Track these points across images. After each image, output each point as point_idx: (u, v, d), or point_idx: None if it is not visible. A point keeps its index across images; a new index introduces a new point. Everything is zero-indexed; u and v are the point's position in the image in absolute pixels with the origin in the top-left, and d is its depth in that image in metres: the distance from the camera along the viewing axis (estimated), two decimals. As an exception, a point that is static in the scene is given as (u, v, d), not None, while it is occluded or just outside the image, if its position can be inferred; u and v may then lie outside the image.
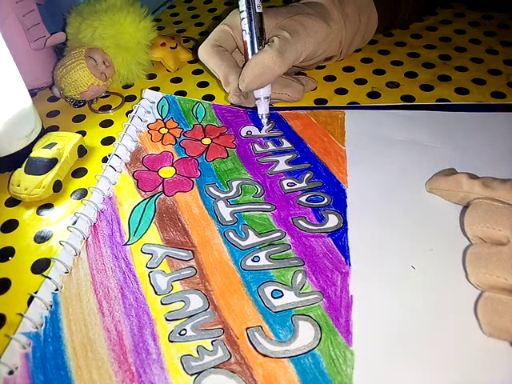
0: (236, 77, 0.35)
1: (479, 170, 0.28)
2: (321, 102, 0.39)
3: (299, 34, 0.35)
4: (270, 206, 0.30)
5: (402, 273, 0.26)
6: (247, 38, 0.35)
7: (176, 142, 0.36)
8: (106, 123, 0.40)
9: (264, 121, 0.36)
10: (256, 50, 0.35)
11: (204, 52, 0.36)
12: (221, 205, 0.31)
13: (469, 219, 0.24)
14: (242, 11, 0.35)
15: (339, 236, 0.28)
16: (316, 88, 0.41)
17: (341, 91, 0.40)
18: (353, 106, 0.39)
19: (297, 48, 0.34)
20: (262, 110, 0.36)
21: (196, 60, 0.47)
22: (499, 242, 0.23)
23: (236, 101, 0.36)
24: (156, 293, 0.26)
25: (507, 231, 0.23)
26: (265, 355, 0.23)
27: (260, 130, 0.37)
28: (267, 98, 0.35)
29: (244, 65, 0.35)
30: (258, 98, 0.35)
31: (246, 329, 0.24)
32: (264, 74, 0.33)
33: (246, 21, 0.35)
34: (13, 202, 0.33)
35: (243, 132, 0.37)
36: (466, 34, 0.47)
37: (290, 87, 0.38)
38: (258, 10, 0.35)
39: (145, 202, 0.31)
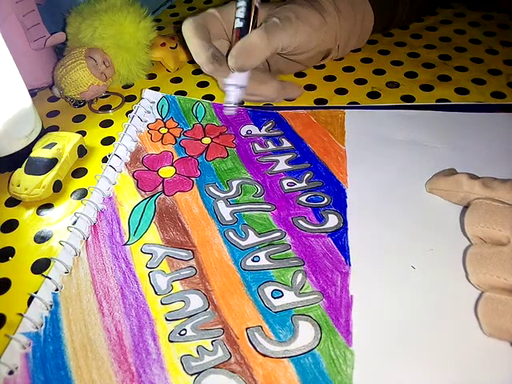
0: (207, 48, 0.34)
1: (479, 170, 0.28)
2: (321, 102, 0.39)
3: (290, 19, 0.35)
4: (269, 206, 0.30)
5: (401, 273, 0.26)
6: (240, 24, 0.35)
7: (176, 142, 0.36)
8: (106, 123, 0.40)
9: (228, 111, 0.35)
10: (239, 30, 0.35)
11: (185, 26, 0.36)
12: (221, 204, 0.31)
13: (469, 219, 0.24)
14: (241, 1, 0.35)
15: (339, 236, 0.28)
16: (315, 87, 0.41)
17: (341, 91, 0.40)
18: (353, 106, 0.39)
19: (287, 31, 0.34)
20: (231, 98, 0.35)
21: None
22: (499, 243, 0.23)
23: (210, 69, 0.35)
24: (156, 293, 0.26)
25: (507, 231, 0.23)
26: (265, 355, 0.23)
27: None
28: (242, 87, 0.35)
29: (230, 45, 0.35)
30: (231, 85, 0.34)
31: (246, 329, 0.24)
32: (251, 52, 0.33)
33: (243, 9, 0.35)
34: (13, 202, 0.33)
35: (243, 131, 0.37)
36: (466, 34, 0.47)
37: (267, 84, 0.37)
38: (256, 4, 0.35)
39: (145, 201, 0.31)
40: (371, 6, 0.41)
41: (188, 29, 0.36)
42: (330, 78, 0.42)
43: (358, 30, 0.41)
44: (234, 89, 0.35)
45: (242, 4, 0.35)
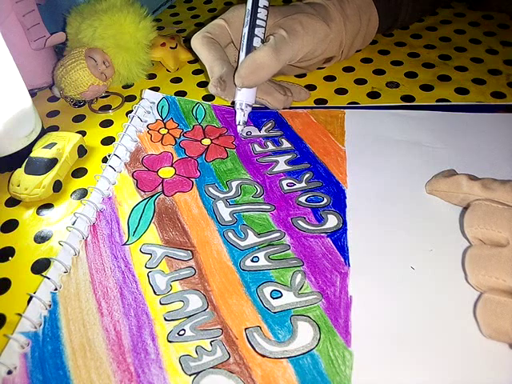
0: (219, 68, 0.34)
1: (479, 171, 0.28)
2: (321, 102, 0.39)
3: (297, 32, 0.35)
4: (269, 207, 0.30)
5: (401, 273, 0.26)
6: (245, 36, 0.35)
7: (176, 143, 0.36)
8: (106, 123, 0.40)
9: (240, 128, 0.36)
10: (253, 48, 0.35)
11: (195, 41, 0.36)
12: (220, 205, 0.31)
13: (468, 221, 0.24)
14: (247, 9, 0.35)
15: (338, 236, 0.28)
16: (315, 87, 0.41)
17: (341, 91, 0.40)
18: (353, 106, 0.39)
19: (293, 46, 0.34)
20: (241, 117, 0.35)
21: (196, 60, 0.47)
22: (499, 244, 0.23)
23: (213, 91, 0.35)
24: (155, 293, 0.26)
25: (507, 233, 0.22)
26: (263, 355, 0.23)
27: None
28: (249, 105, 0.35)
29: (238, 60, 0.35)
30: (240, 104, 0.35)
31: (245, 329, 0.24)
32: (259, 71, 0.33)
33: (248, 18, 0.35)
34: (13, 202, 0.33)
35: (243, 133, 0.37)
36: (466, 34, 0.47)
37: (271, 96, 0.37)
38: (261, 17, 0.35)
39: (144, 202, 0.31)
40: (376, 8, 0.41)
41: (199, 45, 0.35)
42: (330, 78, 0.42)
43: (363, 33, 0.41)
44: (243, 107, 0.35)
45: (248, 11, 0.35)
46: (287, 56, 0.34)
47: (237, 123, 0.36)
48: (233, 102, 0.36)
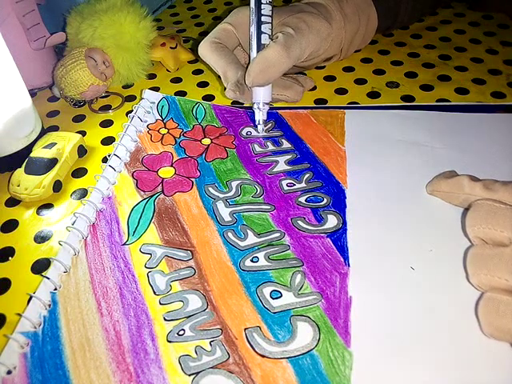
0: (234, 72, 0.34)
1: (479, 171, 0.28)
2: (321, 102, 0.39)
3: (302, 30, 0.35)
4: (269, 207, 0.30)
5: (401, 274, 0.26)
6: (253, 35, 0.35)
7: (176, 143, 0.36)
8: (106, 123, 0.40)
9: (260, 127, 0.36)
10: (262, 46, 0.34)
11: (203, 48, 0.36)
12: (220, 205, 0.31)
13: (470, 220, 0.24)
14: (252, 8, 0.35)
15: (338, 237, 0.28)
16: (315, 87, 0.41)
17: (341, 91, 0.40)
18: (353, 106, 0.39)
19: (301, 44, 0.34)
20: (260, 116, 0.35)
21: (196, 60, 0.47)
22: (501, 244, 0.23)
23: (232, 96, 0.35)
24: (155, 293, 0.26)
25: (509, 233, 0.22)
26: (263, 356, 0.22)
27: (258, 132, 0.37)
28: (266, 103, 0.35)
29: (249, 61, 0.35)
30: (258, 103, 0.35)
31: (245, 329, 0.24)
32: (270, 69, 0.33)
33: (253, 16, 0.34)
34: (13, 202, 0.33)
35: (243, 132, 0.37)
36: (466, 34, 0.47)
37: (291, 89, 0.38)
38: (266, 13, 0.35)
39: (144, 201, 0.31)
40: (375, 7, 0.41)
41: (208, 52, 0.35)
42: (330, 78, 0.42)
43: (362, 32, 0.41)
44: (261, 107, 0.35)
45: (252, 11, 0.35)
46: (297, 53, 0.34)
47: (257, 123, 0.36)
48: (236, 102, 0.36)
